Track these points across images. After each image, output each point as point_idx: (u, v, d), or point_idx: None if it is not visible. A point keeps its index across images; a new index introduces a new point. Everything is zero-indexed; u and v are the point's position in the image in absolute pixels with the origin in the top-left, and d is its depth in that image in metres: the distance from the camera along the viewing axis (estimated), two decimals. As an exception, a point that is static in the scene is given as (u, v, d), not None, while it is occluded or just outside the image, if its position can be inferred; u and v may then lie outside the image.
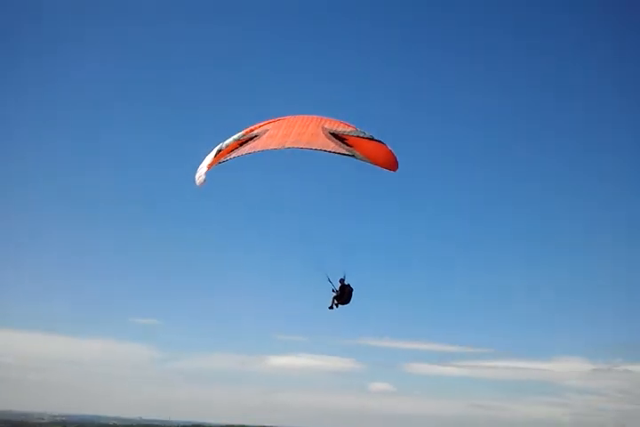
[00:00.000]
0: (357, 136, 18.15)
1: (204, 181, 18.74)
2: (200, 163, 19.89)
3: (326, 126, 18.01)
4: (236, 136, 18.97)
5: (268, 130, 18.21)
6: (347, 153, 17.89)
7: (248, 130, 18.82)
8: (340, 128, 18.12)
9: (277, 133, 18.02)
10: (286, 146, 17.51)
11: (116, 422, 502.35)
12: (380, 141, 18.46)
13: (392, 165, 18.71)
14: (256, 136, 18.25)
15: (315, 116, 18.48)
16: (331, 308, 18.91)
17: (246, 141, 18.49)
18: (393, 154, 18.64)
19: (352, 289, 19.10)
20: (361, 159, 18.17)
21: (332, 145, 17.74)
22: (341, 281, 18.99)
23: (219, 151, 18.96)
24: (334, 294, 19.02)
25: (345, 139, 17.91)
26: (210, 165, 18.94)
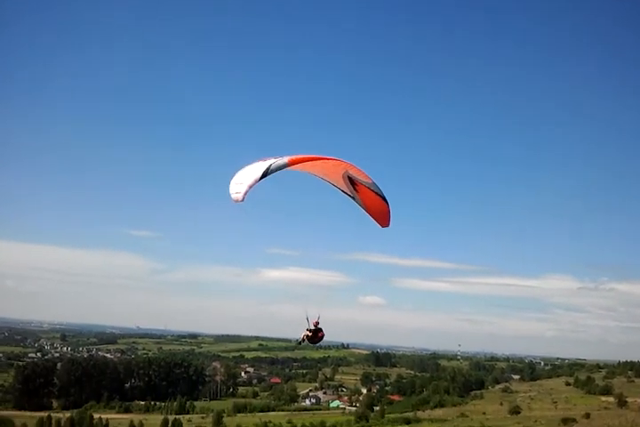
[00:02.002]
0: (368, 187, 20.07)
1: (243, 199, 18.50)
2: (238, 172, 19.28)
3: (347, 170, 19.77)
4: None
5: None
6: (349, 194, 20.39)
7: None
8: (358, 176, 19.87)
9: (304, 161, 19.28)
10: (305, 169, 19.47)
11: (113, 330, 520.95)
12: (384, 199, 20.41)
13: (383, 221, 21.08)
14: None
15: (345, 163, 19.81)
16: (299, 343, 20.17)
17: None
18: (388, 213, 20.83)
19: (323, 335, 20.13)
20: (359, 204, 20.55)
21: (341, 183, 20.18)
22: (316, 324, 19.84)
23: (265, 172, 18.58)
24: (306, 333, 19.97)
25: (355, 184, 20.07)
26: (251, 186, 18.62)
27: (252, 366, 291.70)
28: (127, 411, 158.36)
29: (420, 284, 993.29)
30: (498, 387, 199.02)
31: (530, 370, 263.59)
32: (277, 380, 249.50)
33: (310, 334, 19.64)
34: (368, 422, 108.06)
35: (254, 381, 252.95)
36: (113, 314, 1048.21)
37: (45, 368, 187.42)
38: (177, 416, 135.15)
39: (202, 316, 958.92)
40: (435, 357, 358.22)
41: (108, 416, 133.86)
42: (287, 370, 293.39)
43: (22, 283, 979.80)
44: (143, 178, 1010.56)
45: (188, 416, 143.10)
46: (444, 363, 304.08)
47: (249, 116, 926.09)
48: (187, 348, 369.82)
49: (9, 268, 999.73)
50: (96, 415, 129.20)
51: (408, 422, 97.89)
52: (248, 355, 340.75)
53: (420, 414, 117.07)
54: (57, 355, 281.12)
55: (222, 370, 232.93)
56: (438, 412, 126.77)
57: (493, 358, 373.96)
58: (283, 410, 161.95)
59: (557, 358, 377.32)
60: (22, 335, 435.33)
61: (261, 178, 18.01)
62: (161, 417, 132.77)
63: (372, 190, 19.98)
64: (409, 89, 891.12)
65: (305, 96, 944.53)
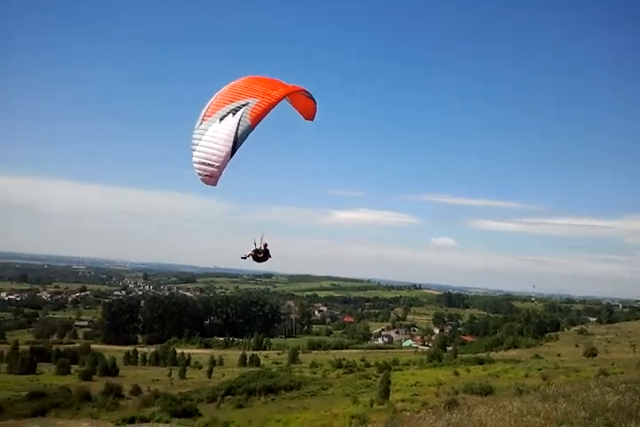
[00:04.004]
0: (301, 93, 18.50)
1: (216, 183, 16.78)
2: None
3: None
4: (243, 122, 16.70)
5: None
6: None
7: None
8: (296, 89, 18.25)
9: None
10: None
11: (192, 270, 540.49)
12: (312, 99, 18.92)
13: (309, 115, 19.65)
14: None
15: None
16: (243, 258, 19.64)
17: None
18: (314, 109, 19.42)
19: (268, 258, 19.88)
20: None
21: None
22: (264, 246, 19.55)
23: (234, 147, 16.54)
24: (251, 253, 19.52)
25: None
26: (223, 168, 16.69)
27: (325, 306, 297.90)
28: (207, 347, 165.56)
29: (493, 224, 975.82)
30: (573, 329, 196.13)
31: (607, 312, 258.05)
32: (350, 319, 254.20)
33: (260, 255, 19.54)
34: (441, 361, 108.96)
35: (327, 319, 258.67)
36: (191, 254, 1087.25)
37: (130, 305, 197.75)
38: (254, 352, 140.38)
39: (276, 256, 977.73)
40: (508, 298, 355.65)
41: (190, 351, 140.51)
42: (359, 310, 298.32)
43: (106, 225, 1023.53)
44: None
45: (264, 353, 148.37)
46: (517, 304, 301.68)
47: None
48: (262, 287, 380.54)
49: (93, 210, 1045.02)
50: (178, 350, 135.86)
51: (481, 362, 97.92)
52: (321, 294, 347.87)
53: (493, 354, 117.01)
54: (140, 293, 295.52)
55: (296, 309, 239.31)
56: (512, 353, 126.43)
57: (569, 300, 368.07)
58: (356, 348, 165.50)
59: (637, 301, 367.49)
60: (107, 274, 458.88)
61: (232, 152, 16.48)
62: (239, 353, 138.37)
63: (304, 95, 18.70)
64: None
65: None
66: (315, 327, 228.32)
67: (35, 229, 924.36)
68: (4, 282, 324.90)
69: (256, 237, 19.38)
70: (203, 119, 16.74)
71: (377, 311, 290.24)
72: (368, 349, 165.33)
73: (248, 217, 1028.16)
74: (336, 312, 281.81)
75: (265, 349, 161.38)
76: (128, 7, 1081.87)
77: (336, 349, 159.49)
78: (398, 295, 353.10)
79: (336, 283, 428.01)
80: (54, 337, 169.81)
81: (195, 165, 16.56)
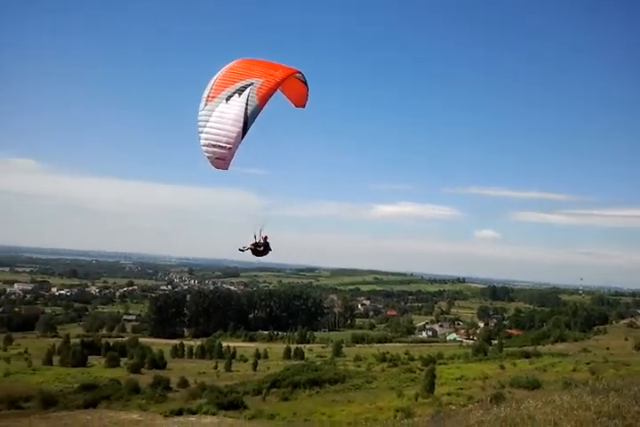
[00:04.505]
0: (297, 78, 17.59)
1: (227, 167, 15.95)
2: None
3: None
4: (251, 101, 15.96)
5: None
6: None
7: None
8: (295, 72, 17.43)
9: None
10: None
11: (236, 264, 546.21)
12: (305, 84, 18.03)
13: (300, 101, 18.72)
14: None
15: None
16: (241, 250, 18.66)
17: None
18: (306, 95, 18.51)
19: (268, 253, 18.95)
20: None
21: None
22: (264, 239, 18.53)
23: (245, 128, 15.76)
24: (251, 246, 18.51)
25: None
26: (235, 150, 15.84)
27: (368, 299, 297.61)
28: (252, 340, 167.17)
29: (539, 216, 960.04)
30: (622, 322, 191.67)
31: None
32: (393, 312, 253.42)
33: (260, 248, 18.58)
34: (486, 355, 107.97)
35: (371, 313, 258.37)
36: (235, 249, 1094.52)
37: (176, 300, 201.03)
38: (298, 346, 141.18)
39: (318, 250, 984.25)
40: (555, 291, 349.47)
41: (235, 345, 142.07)
42: (402, 303, 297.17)
43: (152, 221, 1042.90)
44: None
45: (308, 346, 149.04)
46: (564, 297, 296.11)
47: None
48: (305, 281, 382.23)
49: (140, 207, 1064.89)
50: (224, 344, 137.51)
51: (527, 356, 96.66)
52: (364, 288, 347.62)
53: (539, 348, 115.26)
54: (185, 287, 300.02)
55: (339, 302, 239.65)
56: (559, 346, 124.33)
57: (618, 293, 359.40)
58: (400, 342, 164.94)
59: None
60: (154, 269, 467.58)
61: (243, 133, 15.71)
62: (283, 346, 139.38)
63: (298, 79, 17.78)
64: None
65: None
66: (358, 321, 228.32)
67: (84, 227, 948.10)
68: (55, 277, 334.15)
69: (255, 230, 18.27)
70: (207, 100, 16.05)
71: (420, 305, 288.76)
72: (412, 342, 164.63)
73: (286, 212, 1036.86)
74: (379, 306, 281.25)
75: (309, 342, 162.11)
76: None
77: (380, 342, 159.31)
78: (442, 289, 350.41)
79: (379, 277, 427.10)
80: (103, 331, 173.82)
81: (203, 148, 15.86)
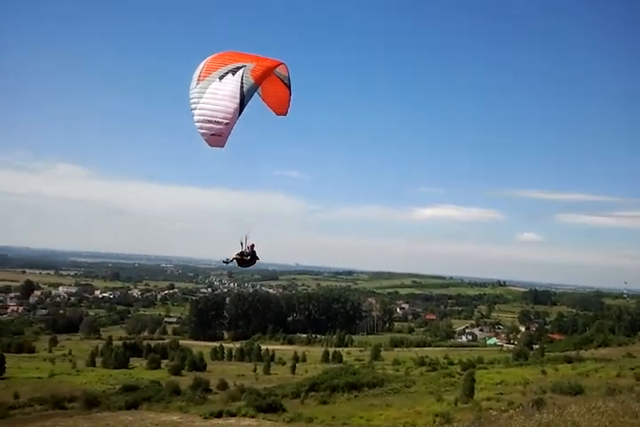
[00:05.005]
0: (280, 78, 16.71)
1: (224, 144, 14.94)
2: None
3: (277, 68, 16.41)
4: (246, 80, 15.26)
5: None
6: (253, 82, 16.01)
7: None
8: (280, 70, 16.53)
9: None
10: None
11: (274, 268, 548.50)
12: (288, 87, 17.01)
13: (281, 109, 17.62)
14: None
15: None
16: (225, 262, 17.72)
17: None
18: (288, 101, 17.40)
19: (255, 262, 17.83)
20: (258, 93, 16.75)
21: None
22: (251, 247, 17.30)
23: (243, 98, 14.98)
24: (236, 256, 17.29)
25: (269, 75, 16.40)
26: (232, 126, 14.94)
27: (406, 303, 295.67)
28: (290, 343, 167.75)
29: (582, 219, 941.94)
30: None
31: None
32: (432, 316, 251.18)
33: (246, 258, 17.38)
34: (527, 359, 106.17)
35: (409, 317, 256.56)
36: (273, 252, 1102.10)
37: (216, 302, 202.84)
38: (336, 349, 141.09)
39: (357, 253, 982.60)
40: (599, 295, 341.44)
41: (274, 347, 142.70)
42: (442, 307, 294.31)
43: (192, 225, 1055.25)
44: (298, 127, 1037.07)
45: (346, 349, 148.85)
46: (608, 301, 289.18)
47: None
48: (343, 284, 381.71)
49: (180, 211, 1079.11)
50: (262, 346, 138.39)
51: (570, 361, 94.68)
52: (402, 291, 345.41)
53: (582, 353, 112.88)
54: (225, 290, 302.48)
55: (378, 306, 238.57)
56: (602, 351, 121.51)
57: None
58: (439, 346, 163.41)
59: None
60: (194, 273, 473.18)
61: (240, 110, 14.85)
62: (321, 349, 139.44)
63: (282, 80, 16.82)
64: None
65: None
66: (396, 325, 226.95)
67: (126, 230, 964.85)
68: (99, 280, 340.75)
69: (241, 237, 17.11)
70: (199, 80, 15.35)
71: (460, 309, 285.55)
72: (451, 346, 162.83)
73: (327, 215, 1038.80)
74: (418, 309, 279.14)
75: (347, 345, 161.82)
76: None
77: (418, 346, 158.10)
78: (482, 292, 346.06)
79: (418, 280, 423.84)
80: (145, 333, 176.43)
81: (197, 124, 14.93)
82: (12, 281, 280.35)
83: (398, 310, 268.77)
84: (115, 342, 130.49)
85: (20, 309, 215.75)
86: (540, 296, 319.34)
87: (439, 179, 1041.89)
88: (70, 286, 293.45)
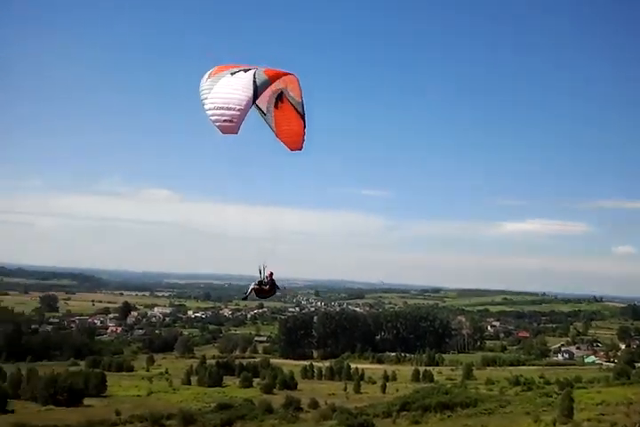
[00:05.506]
0: (293, 106, 16.28)
1: (237, 131, 14.28)
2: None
3: (287, 85, 16.02)
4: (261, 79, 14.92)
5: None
6: (263, 111, 16.50)
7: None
8: (292, 92, 16.15)
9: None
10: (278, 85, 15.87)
11: (360, 286, 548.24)
12: (303, 119, 16.37)
13: (294, 144, 16.95)
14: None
15: (294, 76, 16.04)
16: (244, 298, 17.47)
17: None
18: (302, 135, 16.67)
19: (275, 292, 17.16)
20: (268, 124, 16.66)
21: (266, 99, 16.22)
22: (270, 276, 16.61)
23: (255, 92, 14.56)
24: (254, 286, 16.52)
25: (281, 101, 16.36)
26: (246, 112, 14.44)
27: (497, 320, 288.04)
28: (379, 362, 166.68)
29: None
30: None
31: None
32: (525, 334, 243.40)
33: (265, 287, 16.53)
34: (629, 378, 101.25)
35: (501, 335, 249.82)
36: (357, 270, 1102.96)
37: (304, 321, 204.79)
38: (426, 368, 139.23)
39: (443, 270, 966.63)
40: None
41: (363, 366, 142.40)
42: (535, 324, 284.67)
43: (278, 245, 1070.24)
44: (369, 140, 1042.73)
45: (437, 368, 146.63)
46: None
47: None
48: (430, 302, 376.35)
49: (265, 232, 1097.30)
50: (352, 365, 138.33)
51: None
52: (492, 309, 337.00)
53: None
54: (312, 309, 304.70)
55: (468, 324, 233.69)
56: None
57: None
58: (534, 364, 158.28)
59: None
60: (281, 292, 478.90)
61: (254, 101, 14.38)
62: (411, 368, 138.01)
63: (296, 110, 16.16)
64: None
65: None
66: (488, 343, 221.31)
67: (216, 251, 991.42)
68: (191, 301, 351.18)
69: (260, 265, 16.44)
70: (209, 76, 15.09)
71: (554, 326, 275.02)
72: (547, 365, 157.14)
73: (407, 231, 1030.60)
74: (510, 327, 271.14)
75: (437, 364, 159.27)
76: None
77: (512, 365, 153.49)
78: (577, 309, 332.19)
79: (508, 297, 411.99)
80: (237, 352, 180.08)
81: (209, 112, 14.39)
82: (109, 303, 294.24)
83: (489, 327, 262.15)
84: (208, 361, 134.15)
85: (119, 329, 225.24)
86: (639, 312, 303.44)
87: (526, 192, 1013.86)
88: (165, 306, 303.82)
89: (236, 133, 14.14)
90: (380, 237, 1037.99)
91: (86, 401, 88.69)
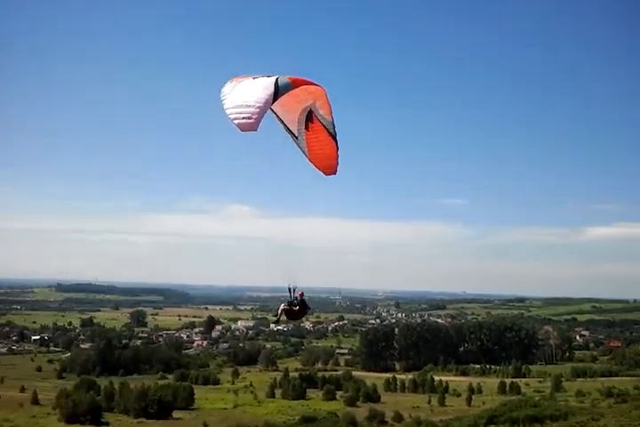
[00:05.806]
0: (324, 126, 15.82)
1: (256, 128, 13.89)
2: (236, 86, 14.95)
3: (315, 101, 15.65)
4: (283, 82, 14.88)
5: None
6: (294, 133, 16.11)
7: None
8: (321, 110, 15.72)
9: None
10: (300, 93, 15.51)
11: (442, 296, 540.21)
12: (335, 142, 15.91)
13: (328, 169, 16.51)
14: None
15: (321, 89, 15.76)
16: (275, 322, 15.48)
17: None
18: (336, 159, 16.28)
19: (306, 312, 16.45)
20: (300, 147, 16.21)
21: (296, 117, 16.00)
22: (301, 295, 16.06)
23: (276, 91, 14.35)
24: (285, 307, 16.00)
25: (312, 121, 15.88)
26: (265, 109, 14.21)
27: (586, 330, 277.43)
28: (464, 374, 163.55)
29: None
30: None
31: None
32: (617, 343, 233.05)
33: (295, 308, 15.84)
34: None
35: (591, 345, 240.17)
36: (439, 280, 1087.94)
37: (385, 333, 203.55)
38: (513, 380, 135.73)
39: (526, 279, 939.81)
40: None
41: (447, 378, 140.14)
42: (627, 333, 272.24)
43: (357, 257, 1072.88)
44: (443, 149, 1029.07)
45: (524, 380, 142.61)
46: None
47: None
48: (515, 312, 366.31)
49: (343, 244, 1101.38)
50: (435, 377, 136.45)
51: None
52: (581, 318, 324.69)
53: None
54: (393, 321, 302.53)
55: (555, 334, 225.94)
56: None
57: None
58: (627, 375, 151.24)
59: None
60: (362, 304, 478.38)
61: (274, 100, 14.06)
62: (497, 380, 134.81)
63: (327, 130, 15.62)
64: None
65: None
66: (577, 353, 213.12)
67: (294, 265, 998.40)
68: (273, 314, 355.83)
69: (289, 284, 16.13)
70: (231, 81, 15.01)
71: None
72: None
73: (490, 240, 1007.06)
74: (600, 336, 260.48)
75: (524, 376, 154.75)
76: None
77: (604, 376, 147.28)
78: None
79: (597, 305, 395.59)
80: (319, 364, 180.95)
81: (228, 110, 14.21)
82: (195, 317, 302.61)
83: (578, 337, 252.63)
84: (291, 374, 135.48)
85: (205, 343, 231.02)
86: None
87: (610, 195, 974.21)
88: (248, 320, 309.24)
89: (255, 131, 13.87)
90: (461, 246, 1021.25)
91: (175, 414, 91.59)
